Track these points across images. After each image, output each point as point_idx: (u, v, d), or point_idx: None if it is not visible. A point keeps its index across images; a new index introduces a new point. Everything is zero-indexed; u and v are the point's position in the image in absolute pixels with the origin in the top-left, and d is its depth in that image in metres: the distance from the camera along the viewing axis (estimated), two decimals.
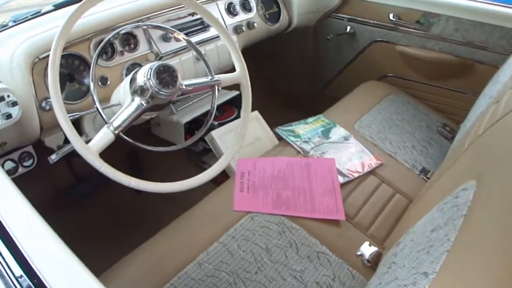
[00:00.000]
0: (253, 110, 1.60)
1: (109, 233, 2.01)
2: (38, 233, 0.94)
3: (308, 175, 1.61)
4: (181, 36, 1.57)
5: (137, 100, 1.29)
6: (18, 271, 0.85)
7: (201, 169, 1.95)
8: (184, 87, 1.35)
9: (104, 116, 1.25)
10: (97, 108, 1.27)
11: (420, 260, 0.92)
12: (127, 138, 1.26)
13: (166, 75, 1.29)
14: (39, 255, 0.88)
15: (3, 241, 0.91)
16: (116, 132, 1.22)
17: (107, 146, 1.21)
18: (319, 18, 2.51)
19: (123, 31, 1.50)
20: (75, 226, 2.03)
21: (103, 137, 1.21)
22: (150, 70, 1.27)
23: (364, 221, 1.54)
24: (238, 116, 2.06)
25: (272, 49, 2.77)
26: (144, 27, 1.63)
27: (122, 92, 1.37)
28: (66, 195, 2.18)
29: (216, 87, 1.48)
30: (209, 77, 1.47)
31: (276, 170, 1.63)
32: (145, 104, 1.28)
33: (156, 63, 1.29)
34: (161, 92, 1.27)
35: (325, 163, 1.65)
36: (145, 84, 1.27)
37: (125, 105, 1.30)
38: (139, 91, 1.29)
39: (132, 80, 1.32)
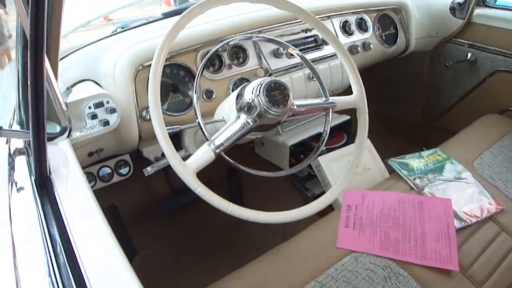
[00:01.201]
0: None
1: (196, 253, 1.92)
2: (104, 251, 0.89)
3: (421, 216, 1.42)
4: (295, 52, 1.42)
5: (243, 117, 1.16)
6: None
7: (303, 195, 1.81)
8: (295, 107, 1.21)
9: (206, 133, 1.13)
10: (198, 123, 1.15)
11: None
12: (228, 158, 1.13)
13: (276, 92, 1.15)
14: (98, 275, 0.82)
15: (66, 255, 0.85)
16: (217, 151, 1.10)
17: (206, 165, 1.09)
18: (438, 43, 2.31)
19: (232, 42, 1.38)
20: (163, 240, 2.00)
21: (202, 155, 1.10)
22: (259, 86, 1.14)
23: (479, 274, 1.33)
24: (347, 143, 1.89)
25: (384, 73, 2.57)
26: (256, 38, 1.50)
27: (227, 107, 1.25)
28: (159, 206, 2.10)
29: (330, 110, 1.32)
30: (323, 99, 1.33)
31: (386, 206, 1.45)
32: (251, 123, 1.15)
33: (266, 79, 1.16)
34: (270, 111, 1.13)
35: (440, 204, 1.45)
36: (253, 100, 1.14)
37: (229, 122, 1.18)
38: (246, 108, 1.16)
39: (239, 96, 1.20)
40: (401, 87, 2.64)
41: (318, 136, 1.80)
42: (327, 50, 1.77)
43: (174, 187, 2.14)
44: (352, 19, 1.93)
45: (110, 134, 1.33)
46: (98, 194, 1.02)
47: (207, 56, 1.26)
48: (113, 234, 0.91)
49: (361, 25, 1.97)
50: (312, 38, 1.75)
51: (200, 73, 1.22)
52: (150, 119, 1.20)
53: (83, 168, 1.56)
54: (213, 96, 1.48)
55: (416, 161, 1.68)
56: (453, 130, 1.95)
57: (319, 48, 1.75)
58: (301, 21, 1.72)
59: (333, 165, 1.72)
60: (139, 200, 2.04)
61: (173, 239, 1.99)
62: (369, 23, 2.00)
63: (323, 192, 1.70)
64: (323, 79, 1.67)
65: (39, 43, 0.76)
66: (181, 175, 1.04)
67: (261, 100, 1.13)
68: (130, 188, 1.79)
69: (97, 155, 1.43)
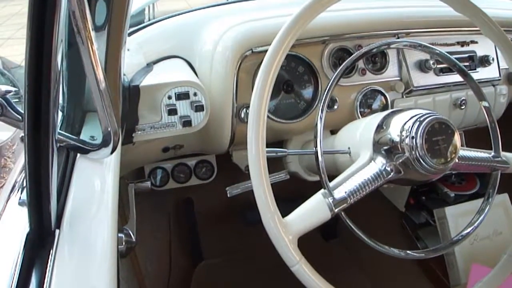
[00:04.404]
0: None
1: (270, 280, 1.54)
2: None
3: None
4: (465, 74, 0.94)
5: (380, 162, 0.74)
6: None
7: (412, 241, 1.56)
8: (457, 160, 0.76)
9: (325, 178, 0.71)
10: (316, 153, 0.74)
11: None
12: (347, 220, 0.72)
13: (440, 138, 0.72)
14: None
15: None
16: (336, 210, 0.69)
17: (315, 227, 0.68)
18: None
19: (384, 47, 0.93)
20: (234, 252, 1.70)
21: (312, 211, 0.69)
22: (417, 122, 0.72)
23: None
24: (480, 192, 1.41)
25: None
26: (429, 50, 0.97)
27: (359, 135, 0.84)
28: (239, 214, 1.74)
29: (499, 173, 0.88)
30: (491, 153, 0.87)
31: None
32: (391, 173, 0.73)
33: (428, 115, 0.74)
34: (425, 164, 0.71)
35: None
36: (402, 141, 0.72)
37: (358, 163, 0.77)
38: (388, 148, 0.74)
39: (380, 127, 0.77)
40: None
41: (447, 177, 1.36)
42: (484, 73, 1.30)
43: None
44: None
45: (193, 133, 0.98)
46: None
47: (347, 61, 0.84)
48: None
49: None
50: (467, 55, 1.29)
51: (335, 83, 0.80)
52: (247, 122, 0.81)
53: (155, 162, 1.23)
54: (335, 106, 1.10)
55: None
56: None
57: (474, 70, 1.28)
58: (458, 31, 1.26)
59: (462, 221, 1.27)
60: (218, 202, 1.68)
61: (246, 255, 1.66)
62: None
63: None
64: (469, 108, 1.24)
65: None
66: (276, 241, 0.65)
67: (416, 144, 0.71)
68: (211, 186, 1.44)
69: (174, 151, 1.10)
